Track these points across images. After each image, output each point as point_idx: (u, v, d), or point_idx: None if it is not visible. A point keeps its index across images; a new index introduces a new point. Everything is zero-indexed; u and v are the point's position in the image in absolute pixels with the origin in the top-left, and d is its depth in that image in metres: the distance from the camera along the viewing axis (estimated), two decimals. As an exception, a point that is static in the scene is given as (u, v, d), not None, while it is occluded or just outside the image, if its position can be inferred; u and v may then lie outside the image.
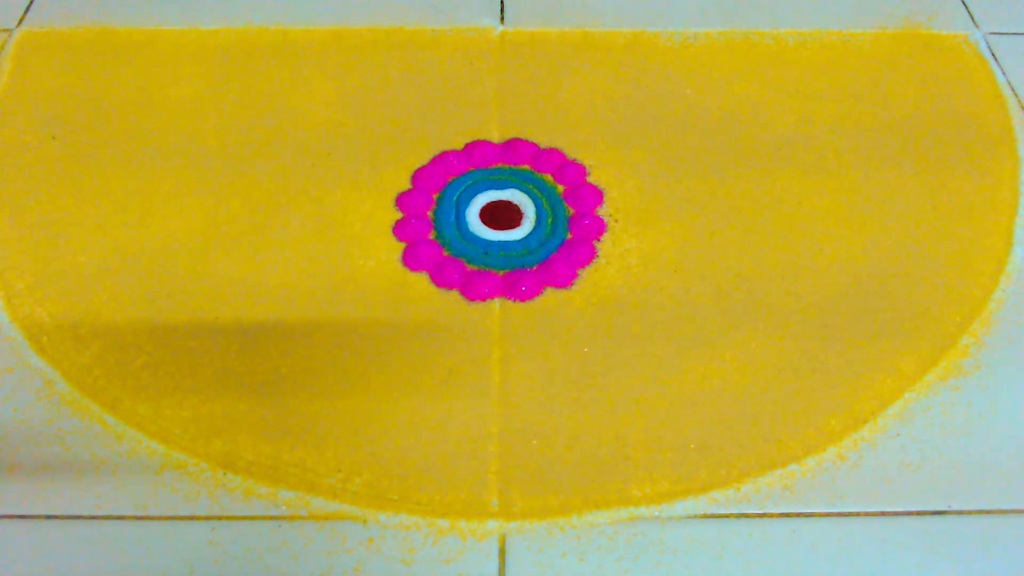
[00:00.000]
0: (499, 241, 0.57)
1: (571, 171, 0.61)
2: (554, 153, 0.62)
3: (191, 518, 0.45)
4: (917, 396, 0.50)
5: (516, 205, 0.59)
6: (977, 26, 0.72)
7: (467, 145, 0.62)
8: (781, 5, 0.73)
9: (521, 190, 0.60)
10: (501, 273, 0.55)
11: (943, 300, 0.54)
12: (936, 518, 0.45)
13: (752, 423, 0.49)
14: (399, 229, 0.57)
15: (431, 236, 0.57)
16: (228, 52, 0.68)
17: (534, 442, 0.48)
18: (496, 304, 0.54)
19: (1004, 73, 0.68)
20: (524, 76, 0.66)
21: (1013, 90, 0.67)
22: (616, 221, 0.58)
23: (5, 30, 0.70)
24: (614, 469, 0.47)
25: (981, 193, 0.60)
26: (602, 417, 0.49)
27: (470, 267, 0.55)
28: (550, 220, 0.58)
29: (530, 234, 0.57)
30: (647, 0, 0.73)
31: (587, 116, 0.64)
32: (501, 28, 0.69)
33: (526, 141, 0.62)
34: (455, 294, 0.54)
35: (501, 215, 0.58)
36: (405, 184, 0.60)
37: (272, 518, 0.45)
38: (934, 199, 0.59)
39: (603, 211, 0.58)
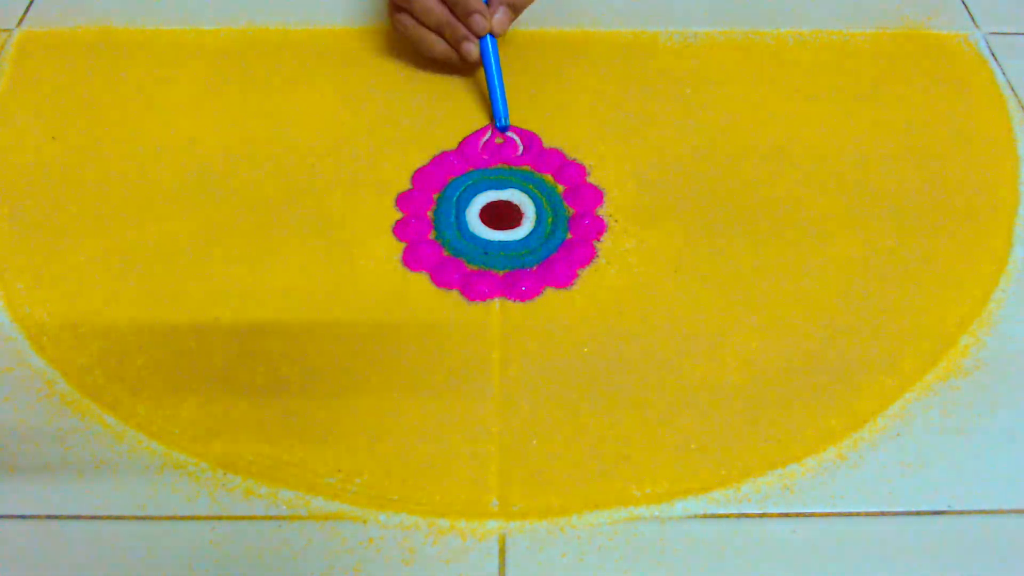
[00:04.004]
0: (499, 241, 0.57)
1: (571, 171, 0.61)
2: (554, 153, 0.62)
3: (191, 518, 0.45)
4: (917, 396, 0.50)
5: (516, 205, 0.59)
6: (977, 26, 0.72)
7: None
8: (781, 5, 0.73)
9: (521, 190, 0.60)
10: (501, 273, 0.55)
11: (943, 300, 0.54)
12: (936, 518, 0.45)
13: (752, 423, 0.49)
14: (399, 229, 0.57)
15: (431, 236, 0.57)
16: (228, 52, 0.68)
17: (534, 442, 0.48)
18: (496, 304, 0.54)
19: (1004, 73, 0.68)
20: (524, 76, 0.66)
21: (1013, 90, 0.67)
22: (616, 221, 0.58)
23: (5, 30, 0.70)
24: (614, 469, 0.47)
25: (981, 193, 0.60)
26: (602, 417, 0.49)
27: (470, 267, 0.55)
28: (550, 220, 0.58)
29: (530, 234, 0.57)
30: (647, 0, 0.73)
31: (587, 116, 0.64)
32: (501, 28, 0.69)
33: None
34: (455, 294, 0.54)
35: (501, 215, 0.58)
36: (405, 184, 0.60)
37: (272, 518, 0.45)
38: (934, 199, 0.59)
39: (603, 211, 0.58)
